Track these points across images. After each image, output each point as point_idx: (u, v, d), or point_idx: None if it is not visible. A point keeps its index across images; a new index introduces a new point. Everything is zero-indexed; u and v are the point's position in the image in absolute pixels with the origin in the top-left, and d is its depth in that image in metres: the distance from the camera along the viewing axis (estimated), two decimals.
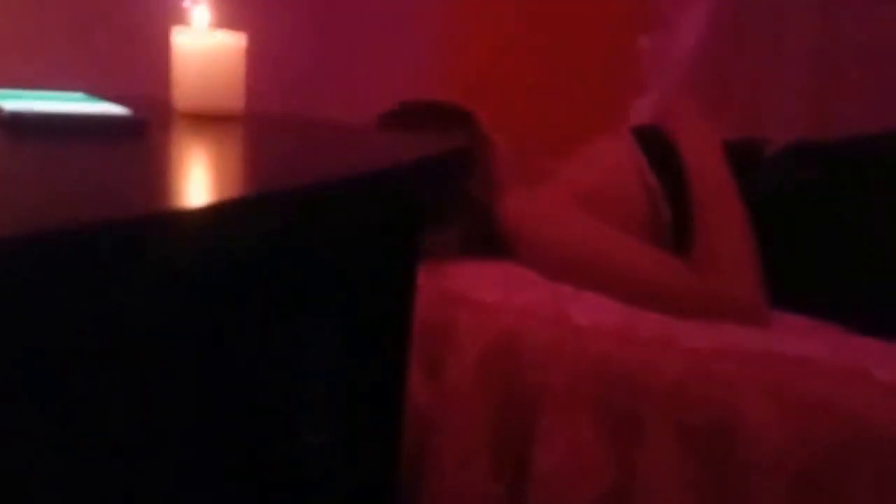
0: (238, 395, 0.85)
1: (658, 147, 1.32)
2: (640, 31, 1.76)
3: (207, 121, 0.91)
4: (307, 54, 1.47)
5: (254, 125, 0.93)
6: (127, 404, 0.68)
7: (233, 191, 0.59)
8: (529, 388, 1.10)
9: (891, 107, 1.56)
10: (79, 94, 0.86)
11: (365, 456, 0.97)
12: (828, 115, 1.64)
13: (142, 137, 0.76)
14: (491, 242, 1.33)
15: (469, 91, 1.58)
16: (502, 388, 1.12)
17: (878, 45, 1.57)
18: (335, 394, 0.96)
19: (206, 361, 0.79)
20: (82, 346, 0.57)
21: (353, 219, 0.71)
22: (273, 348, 0.88)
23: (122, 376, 0.65)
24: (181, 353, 0.72)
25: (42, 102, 0.79)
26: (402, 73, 1.70)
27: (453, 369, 1.13)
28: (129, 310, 0.55)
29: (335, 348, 0.94)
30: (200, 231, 0.49)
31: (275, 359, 0.89)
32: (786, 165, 1.25)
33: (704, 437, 1.03)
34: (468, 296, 1.19)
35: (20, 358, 0.49)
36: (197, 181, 0.61)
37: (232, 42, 0.92)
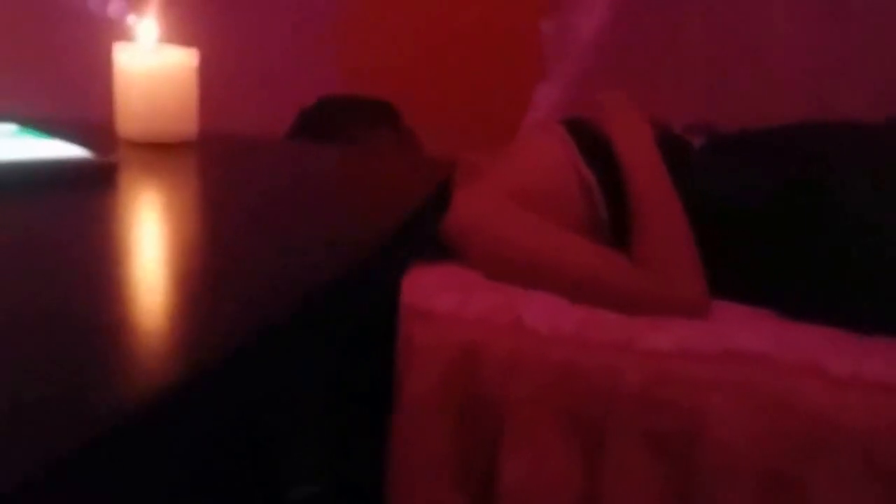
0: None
1: (591, 142, 1.27)
2: (541, 14, 1.69)
3: (156, 151, 0.76)
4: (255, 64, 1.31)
5: (209, 159, 0.79)
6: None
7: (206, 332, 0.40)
8: (493, 402, 1.05)
9: (783, 91, 1.59)
10: (9, 125, 0.70)
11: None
12: (720, 97, 1.65)
13: (95, 190, 0.61)
14: (428, 243, 1.25)
15: (371, 84, 1.47)
16: (465, 403, 1.06)
17: (773, 27, 1.59)
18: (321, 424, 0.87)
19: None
20: None
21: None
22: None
23: None
24: None
25: None
26: (310, 71, 1.56)
27: (414, 386, 1.06)
28: None
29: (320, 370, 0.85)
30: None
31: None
32: (721, 160, 1.24)
33: (669, 441, 1.02)
34: (421, 306, 1.11)
35: None
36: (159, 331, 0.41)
37: (183, 59, 0.78)
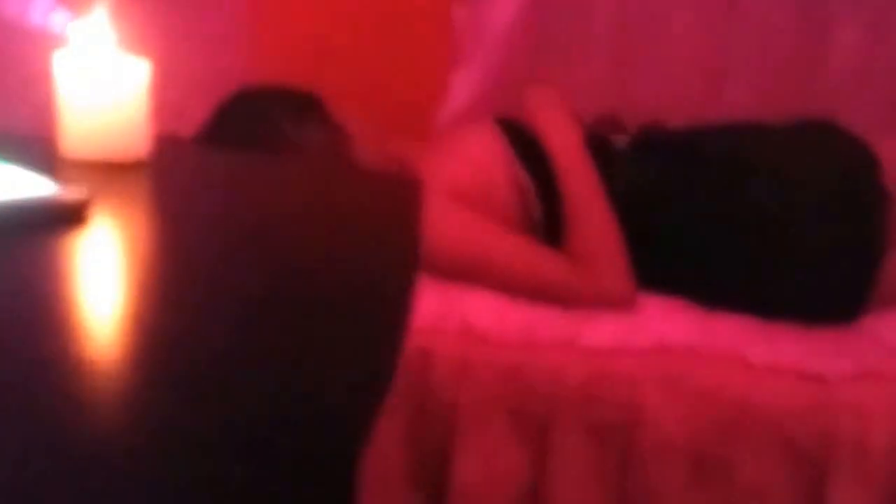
0: None
1: (525, 142, 1.25)
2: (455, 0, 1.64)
3: (106, 174, 0.68)
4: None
5: (166, 184, 0.71)
6: None
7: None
8: (444, 404, 1.04)
9: (681, 84, 1.62)
10: None
11: None
12: (624, 87, 1.66)
13: (59, 230, 0.53)
14: None
15: (284, 70, 1.38)
16: (417, 406, 1.05)
17: (674, 21, 1.61)
18: None
19: None
20: None
21: None
22: None
23: None
24: None
25: None
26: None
27: None
28: None
29: None
30: None
31: None
32: (644, 161, 1.25)
33: (609, 432, 1.04)
34: None
35: None
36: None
37: (132, 70, 0.69)
